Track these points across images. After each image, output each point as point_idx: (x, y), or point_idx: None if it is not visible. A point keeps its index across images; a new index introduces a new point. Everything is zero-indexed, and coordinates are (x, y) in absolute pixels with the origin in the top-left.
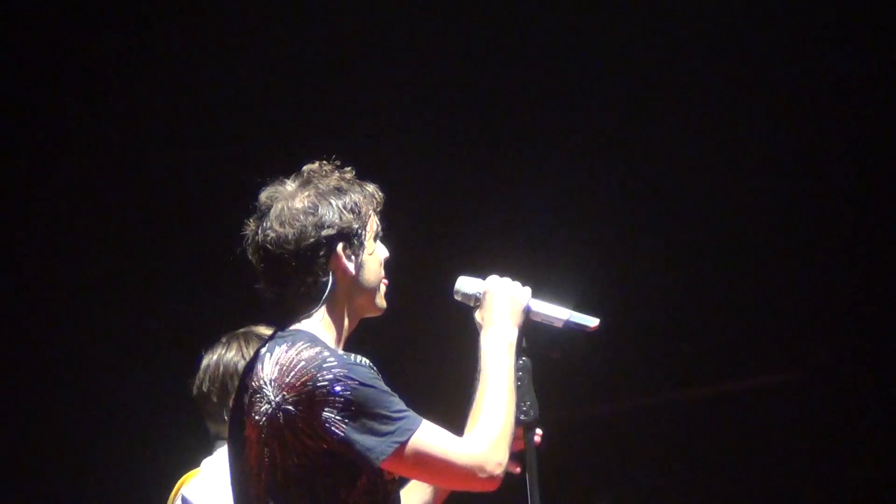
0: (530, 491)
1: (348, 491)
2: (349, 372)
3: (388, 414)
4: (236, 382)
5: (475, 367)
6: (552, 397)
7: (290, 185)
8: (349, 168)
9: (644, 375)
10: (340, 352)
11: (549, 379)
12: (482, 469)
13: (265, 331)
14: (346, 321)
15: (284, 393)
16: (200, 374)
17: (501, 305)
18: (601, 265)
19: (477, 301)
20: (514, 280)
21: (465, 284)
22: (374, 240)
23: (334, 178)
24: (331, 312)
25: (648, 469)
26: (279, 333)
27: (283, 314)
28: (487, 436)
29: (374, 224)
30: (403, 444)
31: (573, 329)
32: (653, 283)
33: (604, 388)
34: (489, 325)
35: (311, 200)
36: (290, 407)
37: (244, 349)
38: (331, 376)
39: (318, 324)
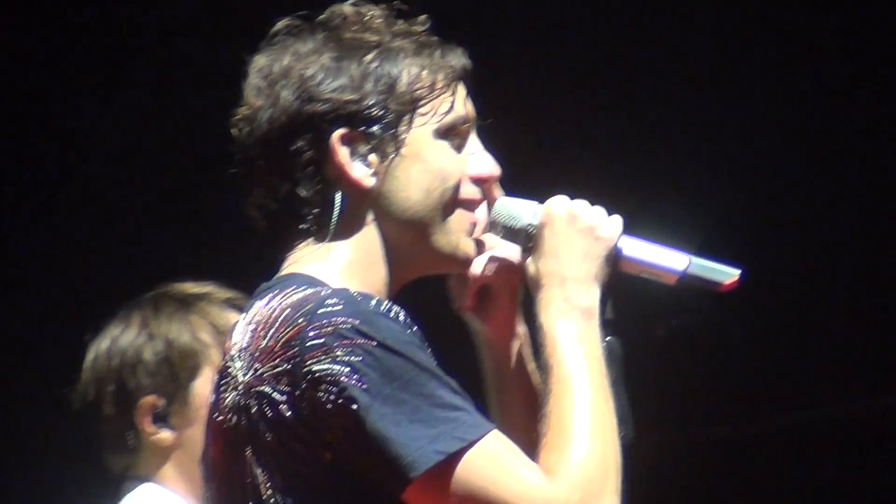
0: None
1: None
2: (363, 323)
3: (433, 403)
4: (142, 379)
5: (537, 353)
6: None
7: (310, 40)
8: (422, 18)
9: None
10: (354, 292)
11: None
12: None
13: (194, 289)
14: (383, 270)
15: (258, 365)
16: (85, 372)
17: (574, 246)
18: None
19: (530, 239)
20: (595, 206)
21: (510, 211)
22: (440, 135)
23: (376, 30)
24: (350, 251)
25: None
26: (263, 284)
27: (277, 251)
28: (584, 475)
29: (439, 107)
30: (454, 456)
31: (694, 286)
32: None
33: (725, 402)
34: (554, 280)
35: (317, 58)
36: (267, 388)
37: (152, 323)
38: (331, 329)
39: (328, 266)
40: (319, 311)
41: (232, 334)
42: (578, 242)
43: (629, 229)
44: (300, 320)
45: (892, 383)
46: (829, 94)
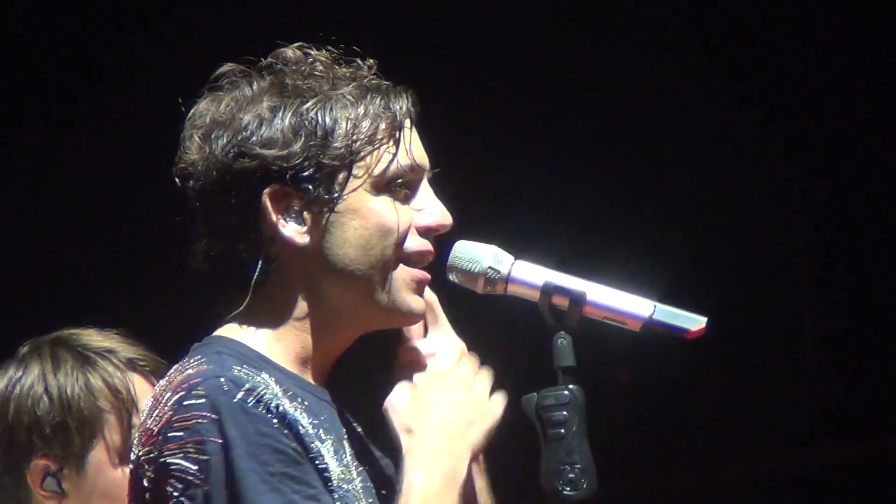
0: None
1: None
2: (224, 418)
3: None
4: (36, 440)
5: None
6: (617, 458)
7: (251, 85)
8: (369, 63)
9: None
10: (224, 379)
11: (612, 426)
12: None
13: (98, 342)
14: (321, 330)
15: (139, 446)
16: None
17: (452, 404)
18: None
19: (490, 283)
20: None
21: (469, 254)
22: (380, 188)
23: (318, 76)
24: (284, 312)
25: None
26: (195, 344)
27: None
28: None
29: (380, 158)
30: None
31: (659, 333)
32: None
33: (700, 448)
34: (419, 427)
35: (254, 107)
36: (141, 471)
37: (49, 377)
38: (191, 423)
39: (256, 331)
40: (185, 403)
41: (146, 399)
42: (460, 402)
43: (589, 275)
44: (168, 411)
45: (858, 430)
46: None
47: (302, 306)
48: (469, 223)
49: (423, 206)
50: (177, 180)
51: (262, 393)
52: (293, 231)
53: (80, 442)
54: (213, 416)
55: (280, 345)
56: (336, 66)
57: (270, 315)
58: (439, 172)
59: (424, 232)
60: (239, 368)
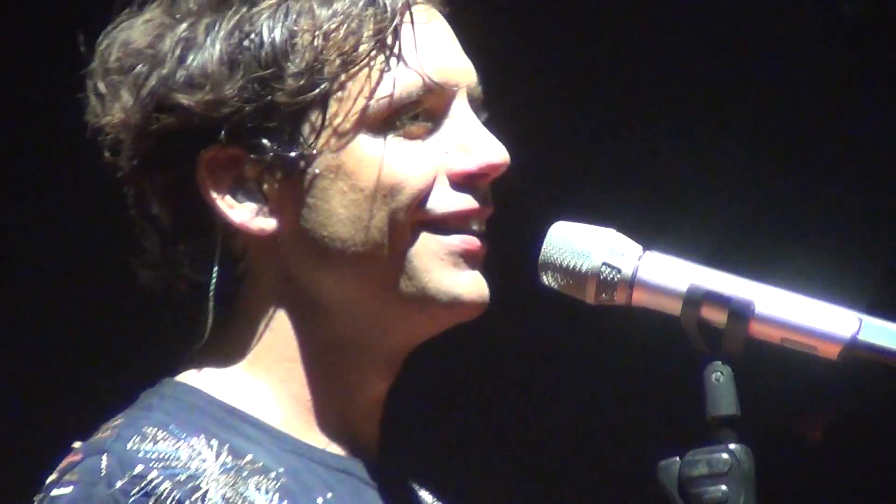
0: None
1: None
2: None
3: None
4: None
5: None
6: None
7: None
8: None
9: None
10: (146, 444)
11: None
12: None
13: None
14: (320, 359)
15: None
16: None
17: None
18: None
19: (607, 288)
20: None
21: (572, 244)
22: (379, 126)
23: None
24: (263, 334)
25: None
26: (144, 392)
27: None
28: None
29: (375, 81)
30: None
31: (867, 358)
32: None
33: None
34: None
35: (169, 29)
36: None
37: None
38: None
39: (226, 366)
40: (52, 493)
41: None
42: None
43: (758, 275)
44: (35, 498)
45: None
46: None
47: (287, 325)
48: (572, 200)
49: (457, 141)
50: (105, 154)
51: (158, 482)
52: (249, 212)
53: None
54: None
55: (264, 387)
56: None
57: (243, 343)
58: (508, 110)
59: (462, 180)
60: (154, 436)
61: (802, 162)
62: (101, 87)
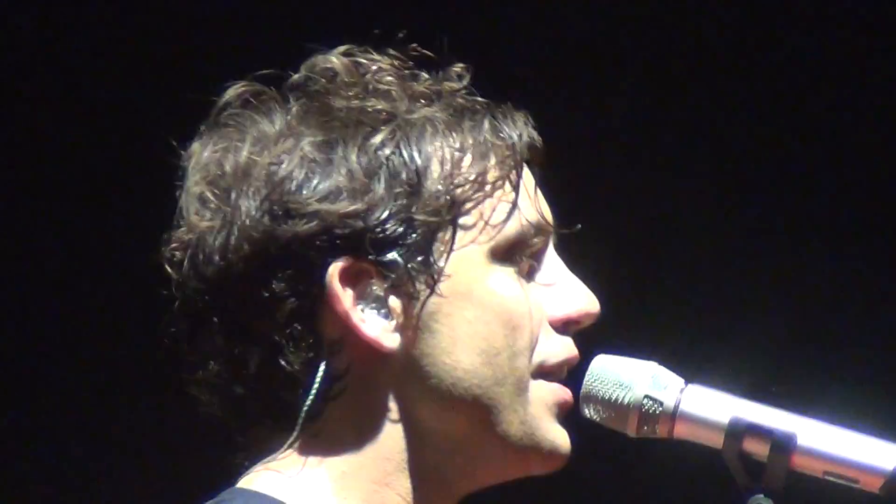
0: None
1: None
2: None
3: None
4: None
5: None
6: None
7: (279, 115)
8: (458, 69)
9: None
10: None
11: None
12: None
13: None
14: (409, 483)
15: None
16: None
17: None
18: None
19: (649, 421)
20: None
21: (616, 375)
22: (499, 257)
23: (385, 94)
24: (355, 453)
25: None
26: None
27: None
28: None
29: (495, 211)
30: None
31: None
32: None
33: None
34: None
35: (292, 145)
36: None
37: None
38: None
39: (309, 483)
40: None
41: None
42: None
43: (801, 407)
44: None
45: None
46: None
47: (382, 449)
48: (613, 334)
49: (556, 285)
50: (167, 269)
51: None
52: (377, 329)
53: None
54: None
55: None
56: (408, 78)
57: (329, 463)
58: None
59: (562, 326)
60: None
61: (842, 295)
62: (209, 197)
